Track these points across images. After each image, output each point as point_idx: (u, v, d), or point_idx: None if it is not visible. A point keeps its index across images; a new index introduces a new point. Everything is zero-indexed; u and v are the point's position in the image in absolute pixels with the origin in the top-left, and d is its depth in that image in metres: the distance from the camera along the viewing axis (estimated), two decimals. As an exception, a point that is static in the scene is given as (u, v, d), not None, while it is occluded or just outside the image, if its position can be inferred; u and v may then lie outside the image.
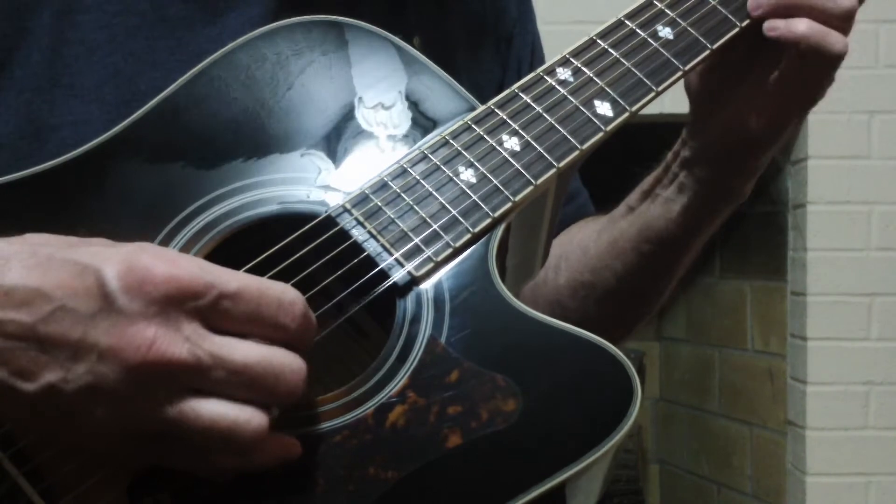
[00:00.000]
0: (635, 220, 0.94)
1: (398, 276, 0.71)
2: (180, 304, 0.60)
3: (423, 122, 0.78)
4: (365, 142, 0.77)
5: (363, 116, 0.78)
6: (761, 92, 0.85)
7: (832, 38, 0.81)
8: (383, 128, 0.77)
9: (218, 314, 0.61)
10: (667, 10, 0.83)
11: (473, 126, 0.77)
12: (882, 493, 2.56)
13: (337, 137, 0.77)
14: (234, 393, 0.61)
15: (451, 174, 0.75)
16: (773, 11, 0.82)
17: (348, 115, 0.78)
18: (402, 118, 0.78)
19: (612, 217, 0.98)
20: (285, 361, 0.62)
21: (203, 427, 0.60)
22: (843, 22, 0.82)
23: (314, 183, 0.75)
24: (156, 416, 0.60)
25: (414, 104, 0.78)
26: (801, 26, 0.81)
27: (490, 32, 1.00)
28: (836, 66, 0.83)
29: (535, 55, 1.05)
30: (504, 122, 0.77)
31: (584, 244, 0.99)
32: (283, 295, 0.63)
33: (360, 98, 0.78)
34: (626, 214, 0.96)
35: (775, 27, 0.82)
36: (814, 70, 0.83)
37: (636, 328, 1.02)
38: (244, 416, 0.60)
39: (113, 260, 0.61)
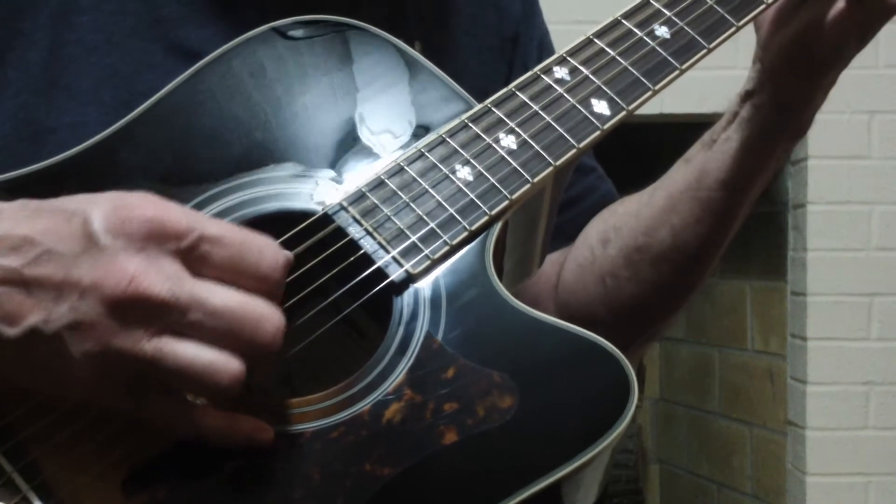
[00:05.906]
0: (692, 170, 0.94)
1: (395, 273, 0.71)
2: (162, 243, 0.61)
3: (421, 122, 0.78)
4: (365, 146, 0.77)
5: (365, 126, 0.78)
6: (823, 15, 0.85)
7: None
8: (384, 135, 0.78)
9: (199, 257, 0.62)
10: (664, 10, 0.83)
11: (470, 124, 0.77)
12: (882, 493, 2.56)
13: (338, 139, 0.77)
14: (211, 338, 0.61)
15: (447, 172, 0.75)
16: None
17: (349, 119, 0.78)
18: (401, 118, 0.78)
19: (667, 175, 0.97)
20: (265, 311, 0.62)
21: (180, 365, 0.61)
22: None
23: (315, 182, 0.75)
24: (133, 353, 0.60)
25: (413, 103, 0.79)
26: None
27: (493, 34, 0.99)
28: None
29: (543, 52, 1.04)
30: (501, 121, 0.77)
31: (635, 209, 0.98)
32: (265, 245, 0.64)
33: (361, 97, 0.79)
34: (681, 168, 0.95)
35: None
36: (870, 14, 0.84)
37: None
38: (221, 359, 0.61)
39: (99, 203, 0.62)
